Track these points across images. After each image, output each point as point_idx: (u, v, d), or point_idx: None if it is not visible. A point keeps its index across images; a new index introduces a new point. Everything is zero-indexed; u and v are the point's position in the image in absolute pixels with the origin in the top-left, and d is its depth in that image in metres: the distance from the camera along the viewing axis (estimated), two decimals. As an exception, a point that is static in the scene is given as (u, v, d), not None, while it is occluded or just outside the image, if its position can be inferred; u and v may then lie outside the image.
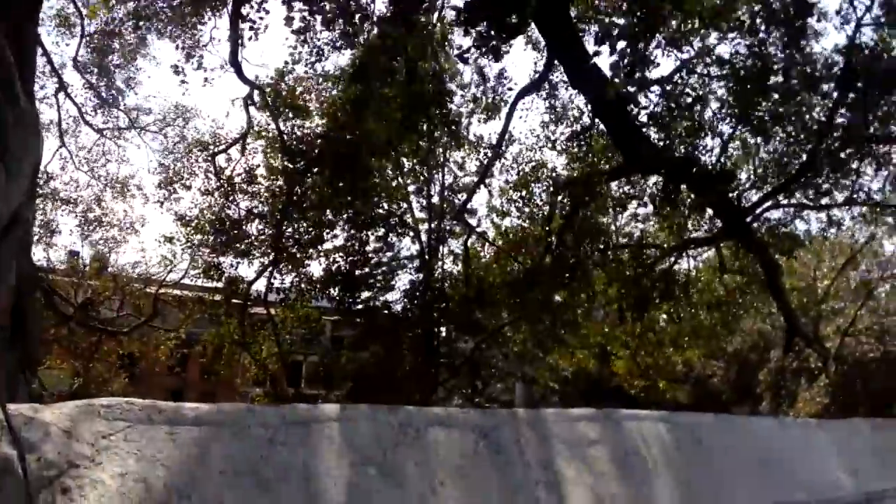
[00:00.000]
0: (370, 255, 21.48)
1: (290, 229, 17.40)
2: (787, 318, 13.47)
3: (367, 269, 21.35)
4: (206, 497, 3.08)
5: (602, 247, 13.72)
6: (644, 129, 11.11)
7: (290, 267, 18.70)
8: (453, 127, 12.87)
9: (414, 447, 3.95)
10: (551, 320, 14.08)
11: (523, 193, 14.26)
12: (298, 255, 18.56)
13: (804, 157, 11.94)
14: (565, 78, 12.13)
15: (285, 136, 15.63)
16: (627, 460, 5.10)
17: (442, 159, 18.65)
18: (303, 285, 19.53)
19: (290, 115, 15.54)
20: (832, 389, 23.15)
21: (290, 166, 15.49)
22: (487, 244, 16.30)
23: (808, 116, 11.61)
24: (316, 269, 20.16)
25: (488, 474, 4.19)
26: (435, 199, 20.79)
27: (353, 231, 20.05)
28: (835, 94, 11.01)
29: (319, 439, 3.61)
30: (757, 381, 30.58)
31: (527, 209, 14.38)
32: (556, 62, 11.38)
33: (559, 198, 12.72)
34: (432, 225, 20.28)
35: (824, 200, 12.86)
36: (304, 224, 17.62)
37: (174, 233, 18.97)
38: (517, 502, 4.15)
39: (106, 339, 22.70)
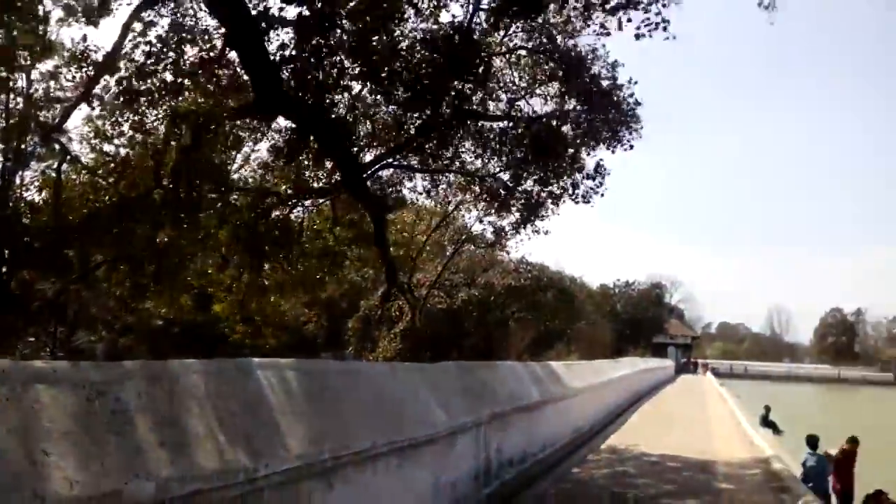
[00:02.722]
0: None
1: None
2: (388, 269, 14.58)
3: None
4: None
5: (219, 187, 12.95)
6: (280, 72, 10.71)
7: None
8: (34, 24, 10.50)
9: (9, 411, 3.08)
10: (155, 261, 12.81)
11: (134, 118, 12.53)
12: None
13: (417, 122, 12.89)
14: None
15: None
16: (259, 410, 4.85)
17: (24, 63, 15.32)
18: None
19: None
20: (406, 335, 26.17)
21: None
22: (85, 172, 13.94)
23: (423, 83, 12.32)
24: None
25: (105, 438, 3.53)
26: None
27: None
28: (446, 66, 11.95)
29: None
30: (346, 328, 32.93)
31: (137, 137, 12.71)
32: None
33: (177, 129, 11.55)
34: (9, 144, 16.66)
35: (429, 165, 14.16)
36: None
37: None
38: (139, 466, 3.57)
39: None
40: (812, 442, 13.31)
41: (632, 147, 12.68)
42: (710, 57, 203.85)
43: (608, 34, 11.71)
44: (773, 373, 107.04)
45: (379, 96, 12.72)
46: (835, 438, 14.31)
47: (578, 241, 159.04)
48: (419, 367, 8.44)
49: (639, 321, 63.64)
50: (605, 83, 12.19)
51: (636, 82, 12.17)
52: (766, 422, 28.37)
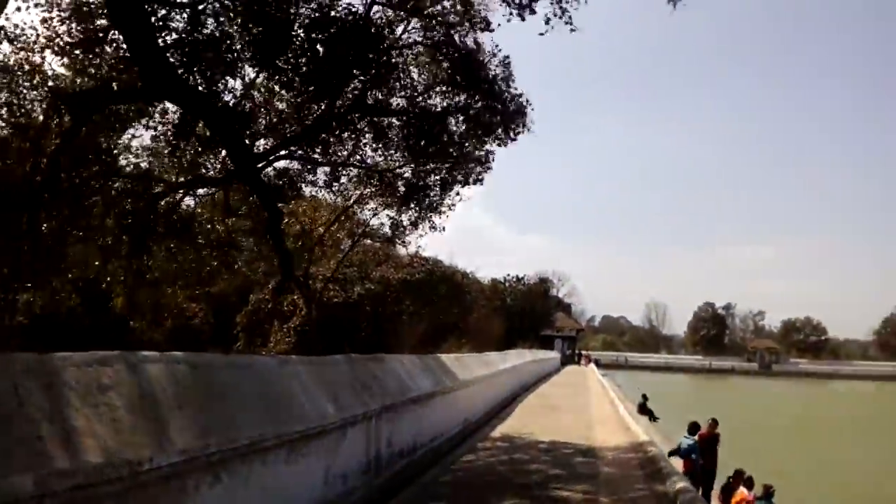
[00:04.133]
0: None
1: None
2: (284, 262, 14.36)
3: None
4: None
5: (104, 173, 12.31)
6: (168, 53, 10.34)
7: None
8: None
9: None
10: (34, 250, 12.02)
11: (12, 100, 11.64)
12: None
13: (317, 113, 12.79)
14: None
15: None
16: (144, 404, 4.79)
17: None
18: None
19: None
20: (300, 329, 25.83)
21: None
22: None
23: (321, 73, 12.19)
24: None
25: (-23, 433, 3.43)
26: None
27: None
28: (346, 57, 11.88)
29: None
30: (234, 323, 32.08)
31: (13, 120, 11.83)
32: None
33: (58, 112, 10.89)
34: None
35: (329, 158, 14.07)
36: None
37: None
38: (17, 461, 3.50)
39: None
40: (692, 428, 14.84)
41: (528, 130, 13.07)
42: (590, 57, 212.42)
43: (491, 30, 11.97)
44: (651, 363, 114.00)
45: (275, 84, 12.52)
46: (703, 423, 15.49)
47: (471, 240, 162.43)
48: (308, 361, 8.45)
49: (527, 314, 65.57)
50: (498, 79, 12.49)
51: (512, 78, 12.57)
52: (644, 409, 30.16)
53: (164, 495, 4.69)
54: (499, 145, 13.07)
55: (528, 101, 12.80)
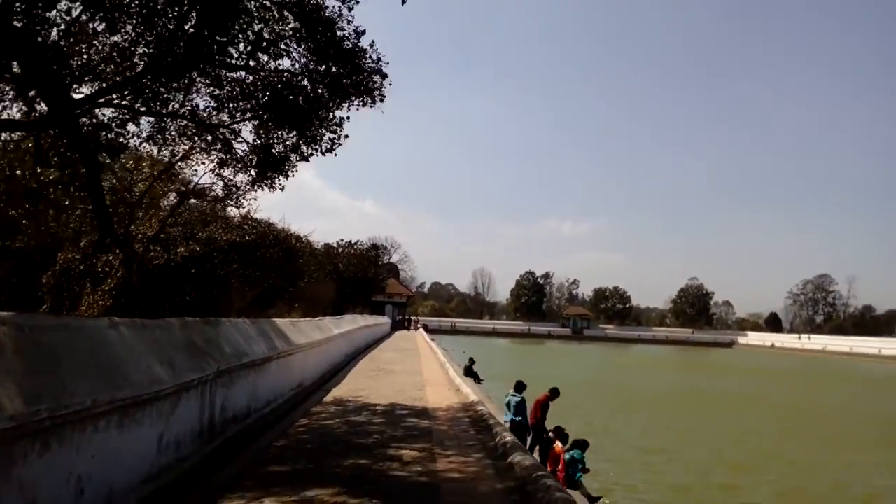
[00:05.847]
0: None
1: None
2: (102, 220, 13.18)
3: None
4: None
5: None
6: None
7: None
8: None
9: None
10: None
11: None
12: None
13: (145, 59, 11.79)
14: None
15: None
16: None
17: None
18: None
19: None
20: (115, 292, 24.02)
21: None
22: None
23: (156, 18, 11.29)
24: None
25: None
26: None
27: None
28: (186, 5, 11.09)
29: None
30: (39, 283, 29.27)
31: None
32: None
33: None
34: None
35: (157, 107, 12.98)
36: None
37: None
38: None
39: None
40: (518, 387, 15.98)
41: (382, 100, 12.82)
42: (431, 30, 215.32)
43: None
44: (476, 328, 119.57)
45: (100, 24, 11.38)
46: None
47: (303, 202, 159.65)
48: (141, 324, 7.99)
49: (359, 280, 65.71)
50: (349, 44, 12.17)
51: (376, 48, 12.41)
52: (470, 372, 31.65)
53: (-11, 464, 4.33)
54: (358, 107, 12.73)
55: (380, 62, 12.56)
